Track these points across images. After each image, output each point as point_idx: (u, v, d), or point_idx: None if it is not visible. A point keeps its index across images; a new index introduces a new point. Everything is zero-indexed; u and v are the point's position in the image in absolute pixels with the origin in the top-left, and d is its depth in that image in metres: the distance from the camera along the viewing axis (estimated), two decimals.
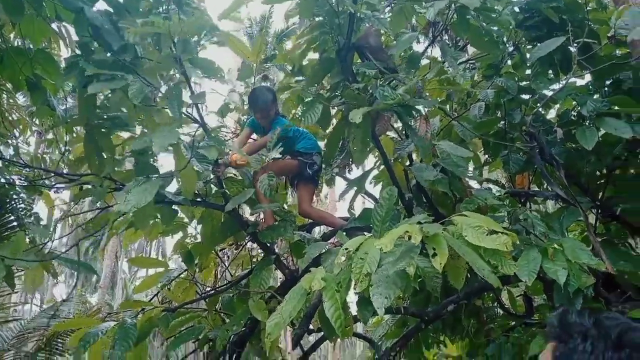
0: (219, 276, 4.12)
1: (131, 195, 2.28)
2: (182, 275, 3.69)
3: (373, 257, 1.86)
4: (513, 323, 3.50)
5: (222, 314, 3.38)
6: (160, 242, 22.98)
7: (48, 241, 3.28)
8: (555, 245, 2.31)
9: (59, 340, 7.39)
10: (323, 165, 3.47)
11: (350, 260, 2.00)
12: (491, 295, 3.52)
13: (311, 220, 3.67)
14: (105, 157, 2.96)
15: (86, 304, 9.57)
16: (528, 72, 3.35)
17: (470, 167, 3.55)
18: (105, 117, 2.91)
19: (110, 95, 2.82)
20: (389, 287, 1.87)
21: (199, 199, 2.93)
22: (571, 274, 2.22)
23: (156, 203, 2.61)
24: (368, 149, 3.08)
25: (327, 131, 3.52)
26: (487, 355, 2.80)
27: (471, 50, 4.05)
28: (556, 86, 3.13)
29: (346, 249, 2.01)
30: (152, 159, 2.78)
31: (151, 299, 4.15)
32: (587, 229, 2.53)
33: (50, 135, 4.26)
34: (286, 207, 3.57)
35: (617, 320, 1.22)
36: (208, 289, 3.63)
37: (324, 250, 2.73)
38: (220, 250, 4.04)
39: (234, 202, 2.63)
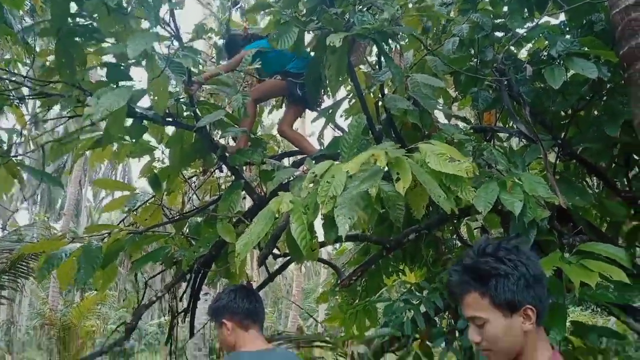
0: (186, 202, 4.13)
1: (103, 99, 2.24)
2: (149, 201, 3.70)
3: (339, 180, 1.91)
4: None
5: (189, 238, 3.43)
6: (125, 170, 22.72)
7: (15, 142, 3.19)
8: (515, 179, 2.40)
9: (24, 263, 7.41)
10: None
11: (317, 185, 2.04)
12: (450, 227, 3.67)
13: (282, 152, 3.70)
14: (77, 68, 2.86)
15: (50, 230, 9.54)
16: (505, 9, 3.34)
17: (440, 102, 3.58)
18: (77, 27, 2.79)
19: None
20: (352, 208, 1.94)
21: (169, 119, 2.90)
22: (527, 206, 2.33)
23: (127, 117, 2.58)
24: (342, 79, 3.06)
25: None
26: (442, 281, 2.96)
27: None
28: (531, 25, 3.14)
29: (314, 173, 2.05)
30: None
31: (118, 224, 4.16)
32: (545, 165, 2.63)
33: (7, 56, 4.05)
34: (260, 134, 3.59)
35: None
36: (175, 213, 3.66)
37: (292, 177, 2.78)
38: (189, 178, 4.03)
39: (205, 120, 2.62)
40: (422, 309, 2.96)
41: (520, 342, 1.37)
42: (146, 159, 3.59)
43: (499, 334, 1.36)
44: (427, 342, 3.10)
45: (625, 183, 3.25)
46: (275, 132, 3.93)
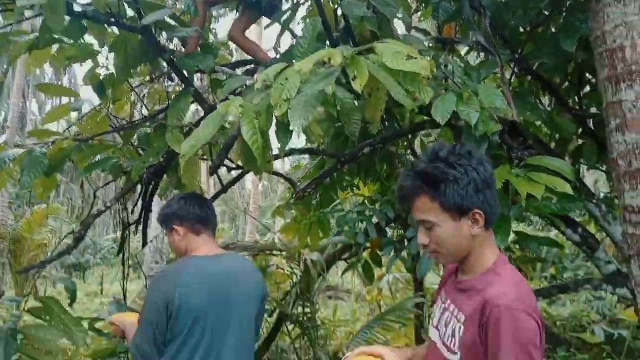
0: (134, 112, 3.96)
1: None
2: (95, 109, 3.53)
3: (293, 82, 1.83)
4: None
5: (138, 149, 3.32)
6: (71, 82, 21.67)
7: None
8: (470, 91, 2.38)
9: None
10: None
11: (270, 89, 1.96)
12: (404, 143, 3.69)
13: (235, 60, 3.54)
14: None
15: None
16: None
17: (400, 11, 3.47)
18: None
19: None
20: (306, 109, 1.87)
21: (112, 20, 2.69)
22: (480, 119, 2.33)
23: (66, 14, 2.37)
24: None
25: None
26: (394, 193, 3.01)
27: None
28: None
29: (266, 76, 1.96)
30: None
31: (64, 132, 3.98)
32: (501, 78, 2.61)
33: None
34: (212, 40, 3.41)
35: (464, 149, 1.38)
36: (123, 122, 3.51)
37: (245, 86, 2.66)
38: (137, 87, 3.85)
39: (150, 18, 2.43)
40: (374, 220, 3.02)
41: (468, 245, 1.40)
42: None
43: (446, 237, 1.38)
44: (377, 251, 3.20)
45: (577, 101, 3.31)
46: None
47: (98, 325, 3.25)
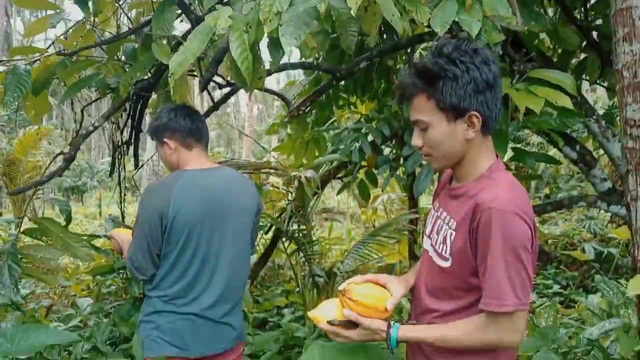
0: (120, 27, 3.78)
1: None
2: (79, 23, 3.36)
3: None
4: None
5: (124, 65, 3.20)
6: (56, 0, 20.77)
7: None
8: None
9: None
10: None
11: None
12: (403, 57, 3.55)
13: None
14: None
15: None
16: None
17: None
18: None
19: None
20: (299, 27, 1.76)
21: None
22: (483, 29, 2.22)
23: None
24: None
25: None
26: (390, 108, 2.93)
27: None
28: None
29: None
30: None
31: (47, 48, 3.82)
32: None
33: None
34: None
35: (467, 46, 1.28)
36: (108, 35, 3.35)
37: None
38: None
39: None
40: (370, 138, 2.97)
41: (462, 149, 1.34)
42: None
43: (440, 139, 1.32)
44: (373, 170, 3.17)
45: (582, 12, 3.16)
46: None
47: (96, 242, 3.27)
